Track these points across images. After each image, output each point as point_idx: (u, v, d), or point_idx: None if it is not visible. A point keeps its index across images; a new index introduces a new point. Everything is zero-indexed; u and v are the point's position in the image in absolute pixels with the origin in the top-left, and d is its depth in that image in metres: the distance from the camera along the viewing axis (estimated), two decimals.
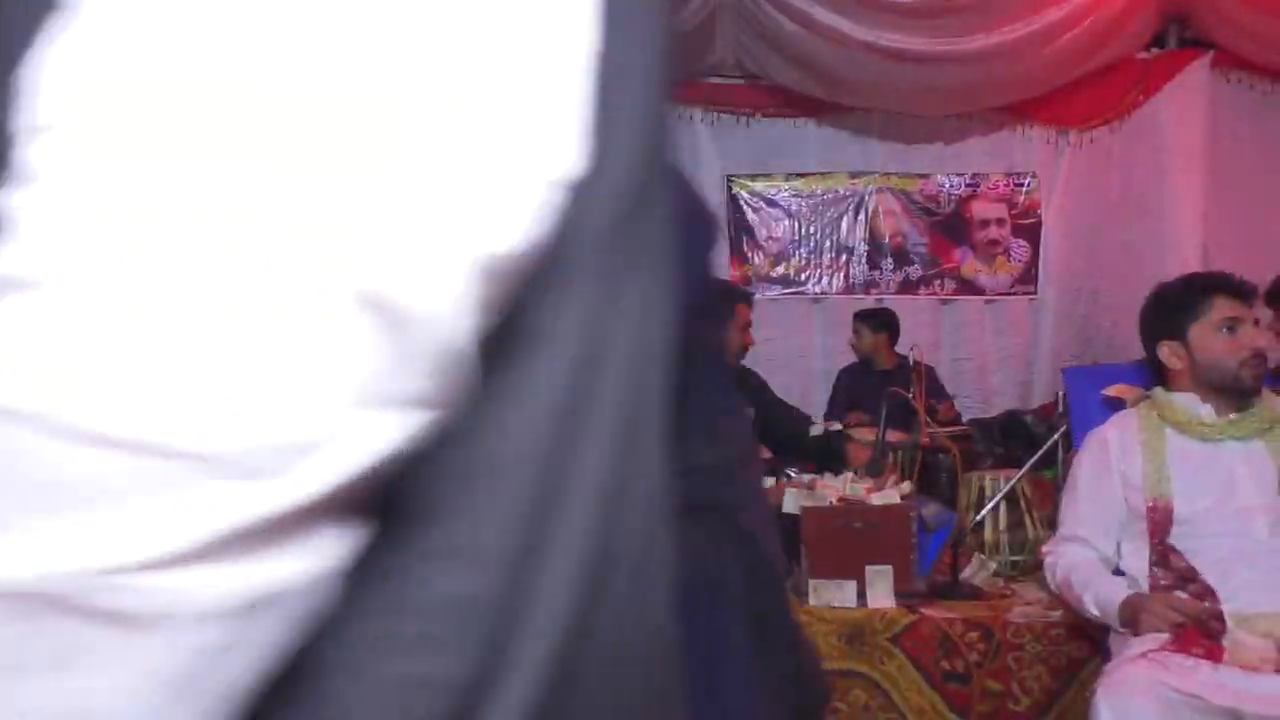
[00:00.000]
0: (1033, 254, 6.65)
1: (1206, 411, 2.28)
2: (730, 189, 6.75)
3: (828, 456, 3.56)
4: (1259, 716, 1.75)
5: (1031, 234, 6.64)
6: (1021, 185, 6.64)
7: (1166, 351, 2.34)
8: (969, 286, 6.70)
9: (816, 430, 3.76)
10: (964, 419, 6.06)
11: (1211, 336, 2.27)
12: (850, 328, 6.15)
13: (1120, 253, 6.55)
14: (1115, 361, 3.87)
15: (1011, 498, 3.60)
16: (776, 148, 6.76)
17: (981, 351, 6.70)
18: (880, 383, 4.93)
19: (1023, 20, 5.67)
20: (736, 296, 3.71)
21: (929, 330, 6.65)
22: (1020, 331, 6.69)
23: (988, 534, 3.59)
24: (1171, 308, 2.37)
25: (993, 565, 3.48)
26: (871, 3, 5.64)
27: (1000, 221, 6.64)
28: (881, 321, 5.74)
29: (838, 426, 3.94)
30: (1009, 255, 6.65)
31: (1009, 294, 6.68)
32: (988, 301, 6.70)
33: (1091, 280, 6.56)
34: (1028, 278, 6.65)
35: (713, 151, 6.74)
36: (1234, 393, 2.25)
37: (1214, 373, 2.26)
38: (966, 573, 3.29)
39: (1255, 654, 1.86)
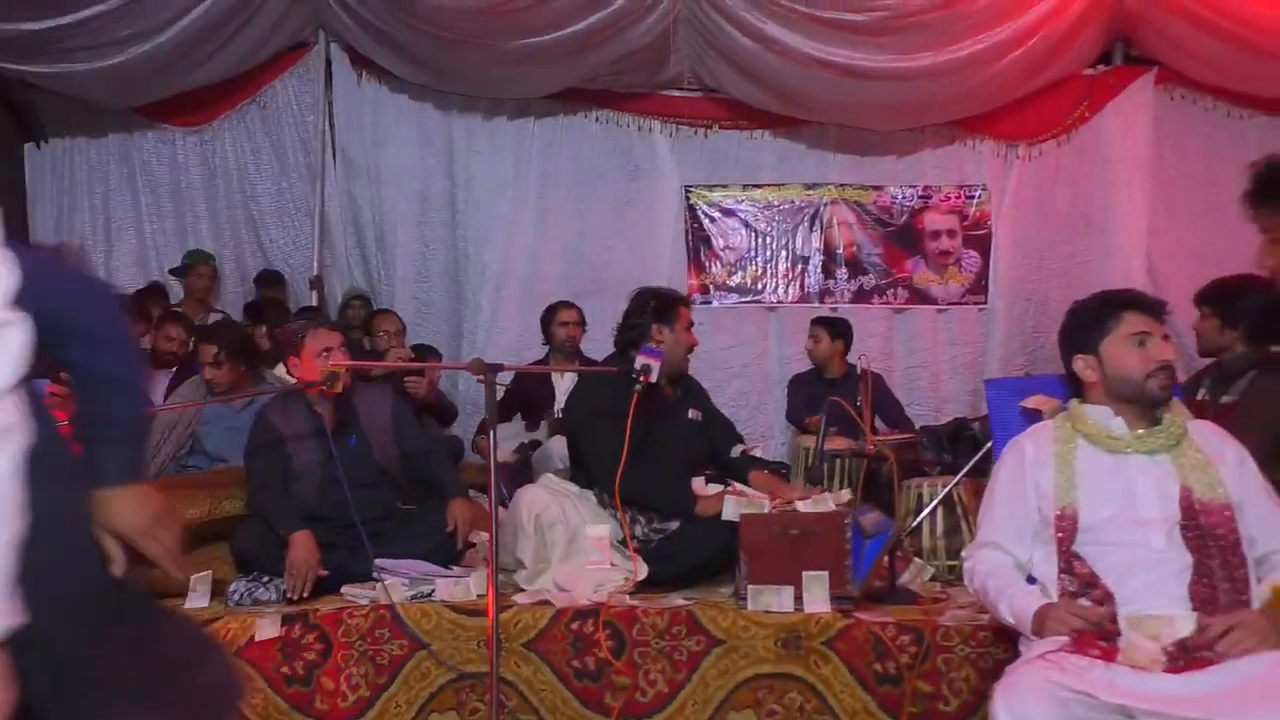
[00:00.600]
0: (983, 265, 6.79)
1: (1118, 424, 2.38)
2: (688, 199, 6.85)
3: (737, 478, 3.71)
4: (1146, 713, 1.87)
5: (982, 245, 6.78)
6: (972, 197, 6.78)
7: (1081, 365, 2.45)
8: (921, 296, 6.82)
9: (735, 452, 3.90)
10: (916, 426, 6.18)
11: (1122, 350, 2.37)
12: (806, 334, 6.17)
13: (1068, 263, 6.73)
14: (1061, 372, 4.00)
15: (949, 504, 3.73)
16: (734, 159, 6.87)
17: (934, 360, 6.83)
18: (828, 390, 5.02)
19: (971, 39, 5.81)
20: (676, 301, 3.81)
21: (882, 339, 6.77)
22: (971, 340, 6.82)
23: (925, 539, 3.71)
24: (1085, 324, 2.47)
25: (930, 570, 3.60)
26: (824, 21, 5.75)
27: (951, 233, 6.78)
28: (840, 330, 5.83)
29: (757, 451, 4.07)
30: (960, 266, 6.79)
31: (960, 303, 6.81)
32: (939, 311, 6.83)
33: (1040, 290, 6.72)
34: (978, 288, 6.79)
35: (671, 162, 6.85)
36: (1144, 404, 2.36)
37: (1124, 385, 2.36)
38: (905, 577, 3.40)
39: (1146, 655, 1.97)
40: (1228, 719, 1.77)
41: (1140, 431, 2.35)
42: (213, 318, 6.21)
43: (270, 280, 6.55)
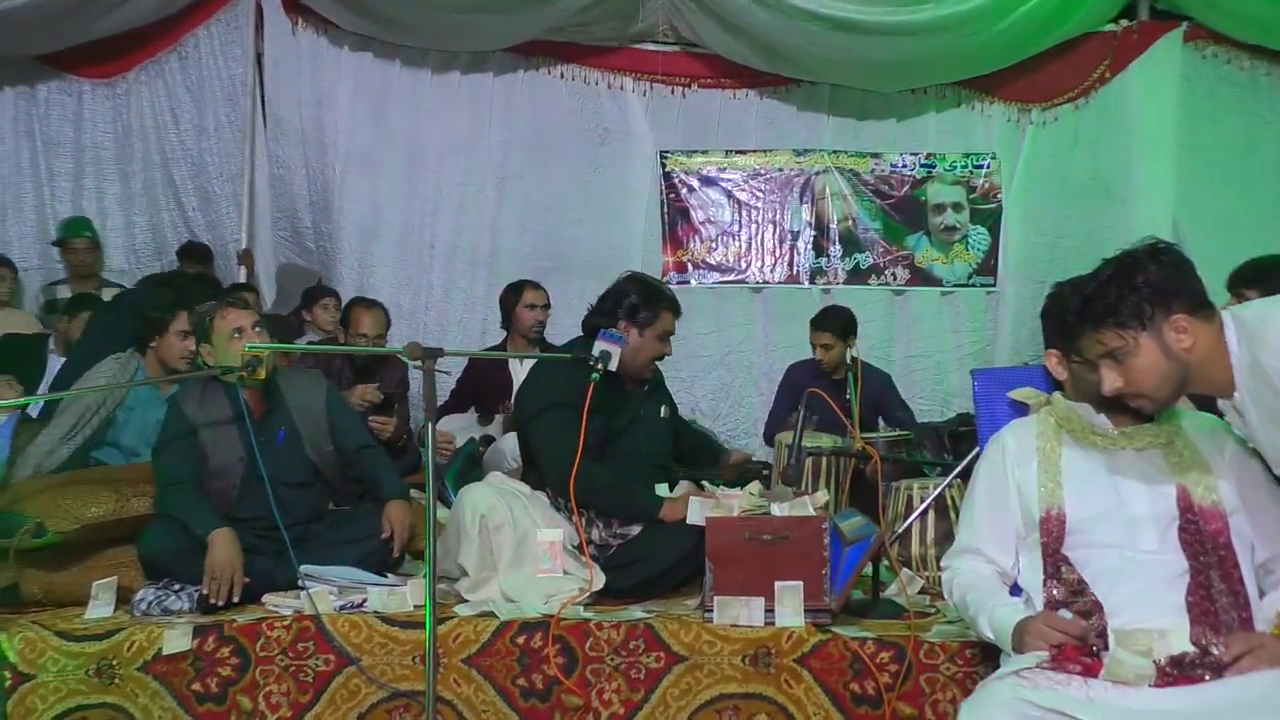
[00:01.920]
0: (992, 242, 6.87)
1: (1102, 420, 2.43)
2: (664, 165, 6.89)
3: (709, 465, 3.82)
4: None
5: (991, 220, 6.86)
6: (981, 167, 6.86)
7: (1054, 361, 2.51)
8: (924, 277, 6.89)
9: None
10: (919, 421, 6.24)
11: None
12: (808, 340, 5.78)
13: (1086, 241, 6.78)
14: None
15: (941, 508, 3.78)
16: (715, 122, 6.93)
17: (937, 348, 6.91)
18: (834, 392, 4.97)
19: None
20: (661, 303, 3.77)
21: (881, 324, 6.84)
22: (978, 326, 6.90)
23: (914, 547, 3.77)
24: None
25: (920, 581, 3.65)
26: None
27: (957, 206, 6.86)
28: (846, 325, 5.59)
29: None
30: (967, 243, 6.86)
31: (966, 285, 6.88)
32: (944, 293, 6.90)
33: (1055, 271, 6.74)
34: (987, 268, 6.87)
35: (645, 125, 6.89)
36: (1120, 410, 2.41)
37: (1091, 386, 2.34)
38: (893, 589, 3.46)
39: (1132, 672, 2.03)
40: None
41: (1128, 428, 2.40)
42: (108, 293, 6.16)
43: (195, 253, 6.53)
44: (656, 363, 3.85)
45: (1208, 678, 2.02)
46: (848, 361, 5.52)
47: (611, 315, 3.74)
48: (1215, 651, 2.07)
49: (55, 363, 5.15)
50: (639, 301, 3.74)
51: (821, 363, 5.61)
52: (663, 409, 3.90)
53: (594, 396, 3.44)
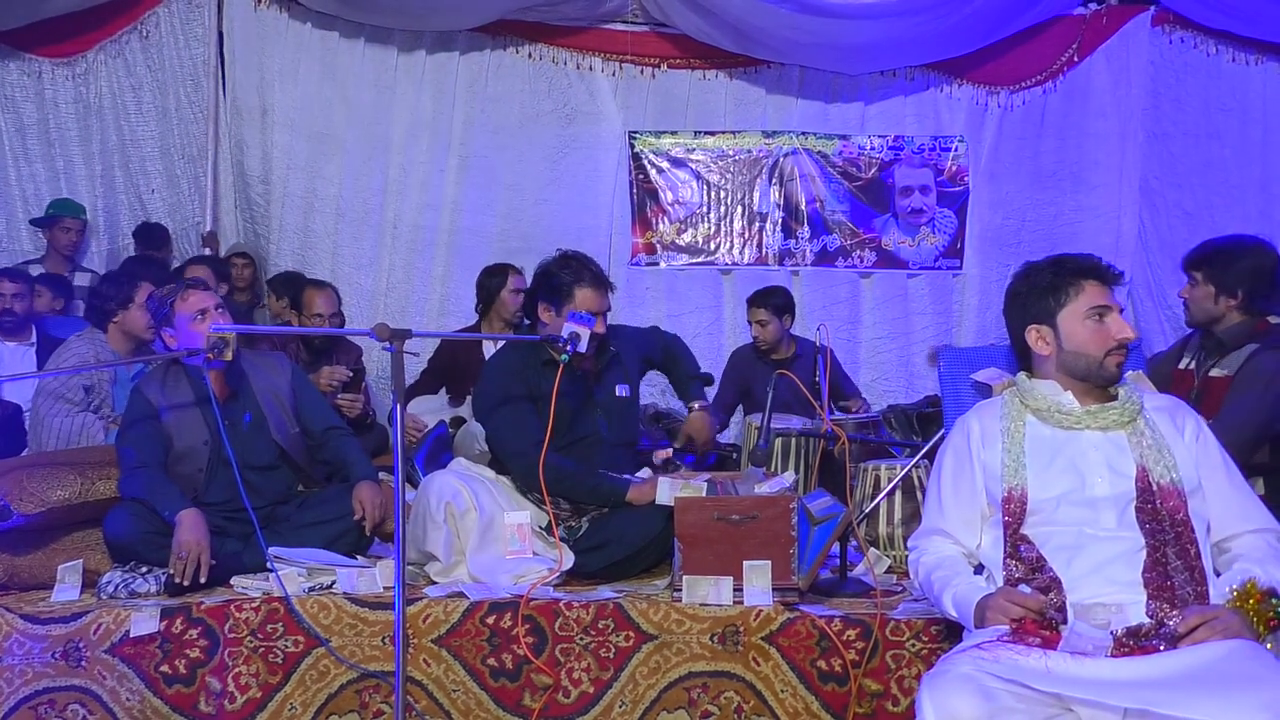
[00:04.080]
0: (959, 225, 6.94)
1: (1068, 399, 2.50)
2: (632, 146, 6.92)
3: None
4: (1082, 701, 1.99)
5: (958, 203, 6.93)
6: (948, 150, 6.93)
7: (1035, 336, 2.57)
8: (890, 259, 6.96)
9: (656, 460, 4.05)
10: (886, 405, 6.32)
11: (1081, 325, 2.49)
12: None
13: (1052, 224, 6.90)
14: None
15: (909, 488, 3.85)
16: (684, 103, 6.96)
17: (904, 330, 6.98)
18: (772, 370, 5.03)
19: None
20: (571, 280, 3.63)
21: (847, 305, 6.92)
22: (944, 309, 6.99)
23: (882, 526, 3.84)
24: (1040, 290, 2.56)
25: (887, 561, 3.72)
26: None
27: (925, 189, 6.93)
28: (782, 302, 5.59)
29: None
30: (933, 226, 6.93)
31: (933, 268, 6.96)
32: (910, 276, 6.97)
33: (1021, 254, 6.77)
34: (953, 250, 6.94)
35: (613, 106, 6.91)
36: (1097, 381, 2.50)
37: (1080, 361, 2.49)
38: (861, 568, 3.52)
39: (1089, 643, 2.10)
40: (1167, 708, 1.89)
41: (1092, 407, 2.47)
42: (80, 279, 6.15)
43: (151, 234, 6.50)
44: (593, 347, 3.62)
45: (1163, 648, 2.09)
46: (784, 341, 5.56)
47: (531, 299, 3.74)
48: (1171, 623, 2.15)
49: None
50: (555, 282, 3.67)
51: (758, 340, 5.63)
52: (618, 389, 3.86)
53: (549, 383, 3.44)
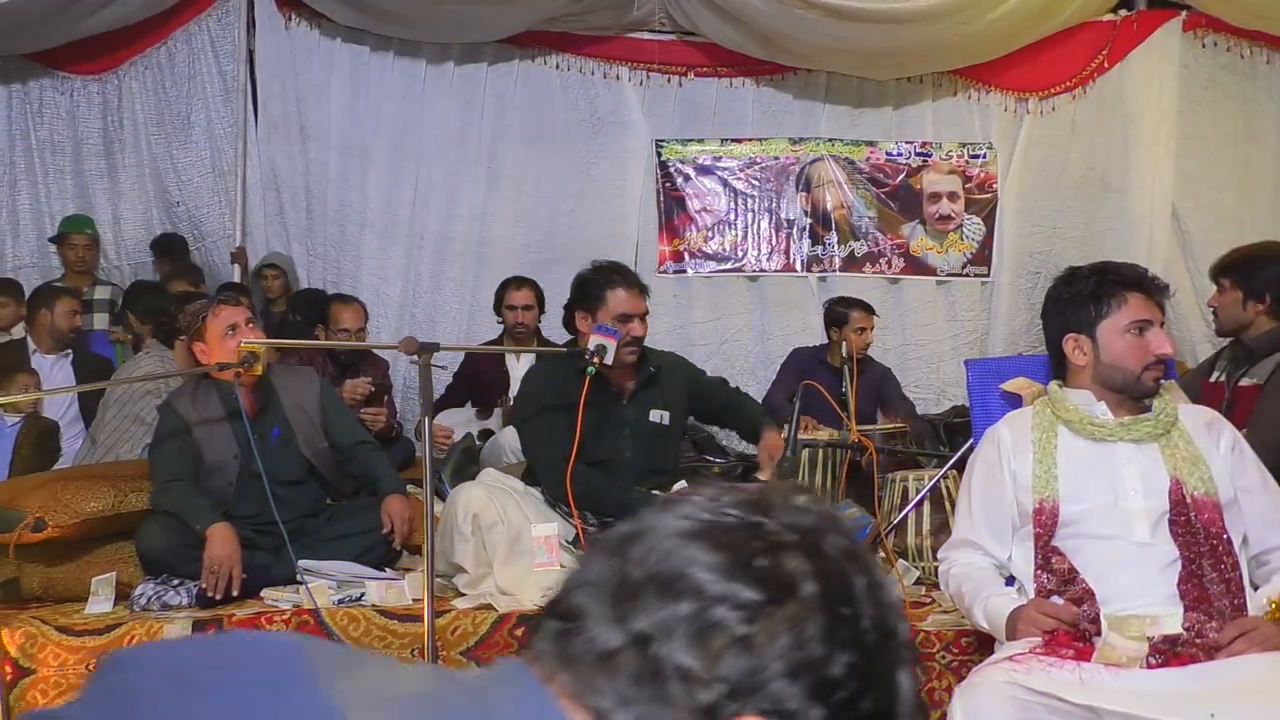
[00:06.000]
0: (988, 232, 6.89)
1: (1100, 410, 2.47)
2: (659, 155, 6.91)
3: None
4: (1116, 714, 1.96)
5: (987, 210, 6.89)
6: (977, 156, 6.89)
7: (1071, 345, 2.54)
8: (919, 265, 6.93)
9: None
10: (917, 413, 6.28)
11: (1121, 339, 2.45)
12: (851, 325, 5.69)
13: (1083, 232, 6.85)
14: None
15: (937, 499, 3.84)
16: (710, 111, 6.94)
17: (933, 337, 6.94)
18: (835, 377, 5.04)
19: None
20: (603, 282, 3.57)
21: (876, 312, 6.85)
22: (973, 316, 6.94)
23: (910, 538, 3.83)
24: (1082, 299, 2.51)
25: (915, 572, 3.71)
26: None
27: (953, 195, 6.88)
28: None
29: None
30: (962, 232, 6.89)
31: (961, 275, 6.92)
32: (939, 282, 6.93)
33: (1051, 262, 6.77)
34: (982, 258, 6.90)
35: (640, 114, 6.91)
36: (1132, 395, 2.47)
37: (1116, 374, 2.46)
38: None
39: (1124, 655, 2.08)
40: None
41: (1126, 419, 2.45)
42: (100, 292, 6.20)
43: (170, 246, 6.48)
44: (632, 350, 3.58)
45: (1200, 659, 2.08)
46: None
47: (569, 311, 3.71)
48: (1208, 634, 2.13)
49: (40, 360, 5.23)
50: (588, 289, 3.61)
51: (831, 348, 5.66)
52: (653, 413, 3.70)
53: (588, 392, 3.42)
